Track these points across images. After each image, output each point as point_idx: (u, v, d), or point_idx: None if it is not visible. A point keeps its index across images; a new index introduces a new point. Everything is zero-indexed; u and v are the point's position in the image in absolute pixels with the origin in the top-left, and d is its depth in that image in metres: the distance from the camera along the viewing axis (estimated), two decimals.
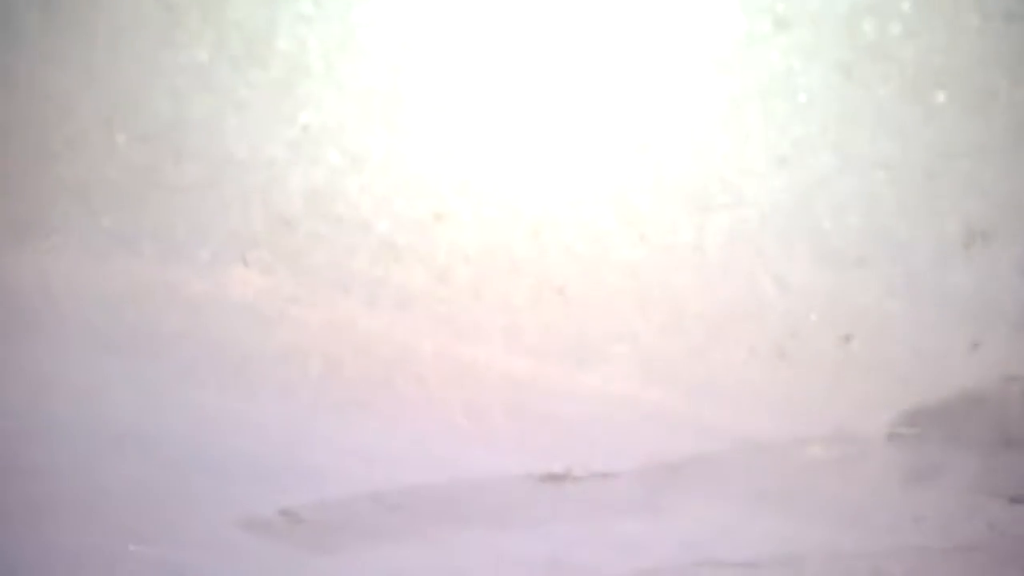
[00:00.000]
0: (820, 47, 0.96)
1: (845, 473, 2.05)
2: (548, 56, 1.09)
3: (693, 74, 1.04)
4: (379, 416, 1.91)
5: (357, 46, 1.02)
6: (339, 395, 1.81)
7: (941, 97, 1.00)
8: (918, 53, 0.95)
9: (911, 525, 2.21)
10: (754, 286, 1.50)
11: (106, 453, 2.20)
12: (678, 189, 1.28)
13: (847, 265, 1.44)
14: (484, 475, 2.10)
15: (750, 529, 2.28)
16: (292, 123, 1.14)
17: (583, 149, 1.24)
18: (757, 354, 1.68)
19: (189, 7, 0.97)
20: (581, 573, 2.51)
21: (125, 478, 2.30)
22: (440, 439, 1.99)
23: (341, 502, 2.24)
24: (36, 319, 1.68)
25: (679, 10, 0.98)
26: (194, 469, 2.22)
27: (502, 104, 1.16)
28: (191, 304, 1.61)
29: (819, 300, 1.52)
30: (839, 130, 1.09)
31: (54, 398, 1.97)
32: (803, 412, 1.82)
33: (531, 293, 1.55)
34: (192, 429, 2.01)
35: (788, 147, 1.13)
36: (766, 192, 1.25)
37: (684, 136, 1.15)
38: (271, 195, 1.28)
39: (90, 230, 1.42)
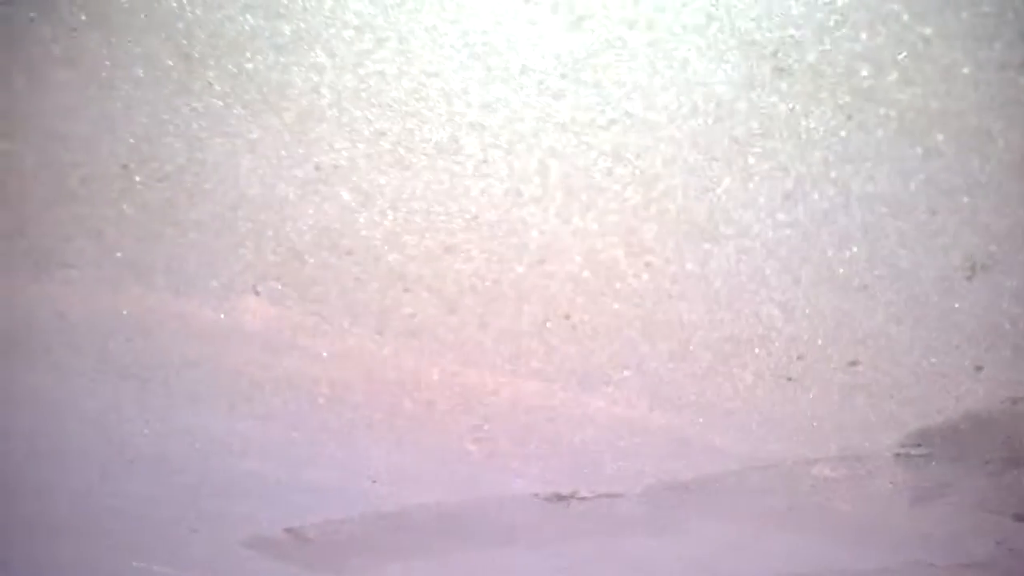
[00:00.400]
0: (820, 92, 0.98)
1: (853, 492, 2.07)
2: (555, 95, 1.12)
3: (695, 115, 1.06)
4: (387, 439, 1.93)
5: (368, 93, 1.05)
6: (347, 419, 1.84)
7: (939, 138, 1.02)
8: (915, 98, 0.97)
9: (919, 542, 2.22)
10: (760, 313, 1.52)
11: (116, 474, 2.23)
12: (683, 222, 1.30)
13: (851, 292, 1.46)
14: (490, 495, 2.12)
15: (757, 547, 2.29)
16: (304, 164, 1.16)
17: (589, 182, 1.26)
18: (764, 378, 1.70)
19: (206, 58, 1.00)
20: None
21: (134, 498, 2.33)
22: (447, 461, 2.01)
23: (347, 521, 2.26)
24: (52, 346, 1.70)
25: (681, 55, 1.00)
26: (202, 490, 2.24)
27: (508, 140, 1.19)
28: (202, 333, 1.64)
29: (825, 326, 1.54)
30: (841, 168, 1.11)
31: (67, 421, 2.00)
32: (811, 433, 1.84)
33: (537, 320, 1.57)
34: (200, 452, 2.04)
35: (791, 184, 1.15)
36: (770, 225, 1.27)
37: (688, 174, 1.17)
38: (283, 230, 1.31)
39: (105, 263, 1.45)
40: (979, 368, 1.62)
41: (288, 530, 2.32)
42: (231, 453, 2.05)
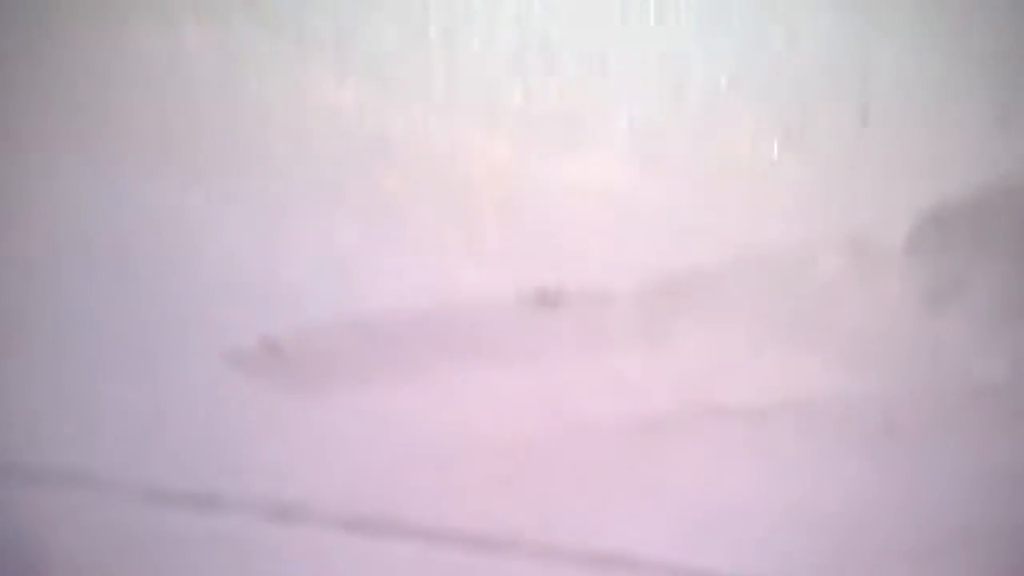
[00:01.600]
0: None
1: (859, 296, 1.93)
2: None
3: None
4: (357, 216, 1.78)
5: None
6: (311, 181, 1.69)
7: None
8: None
9: (927, 361, 2.08)
10: (765, 41, 1.36)
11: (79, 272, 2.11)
12: None
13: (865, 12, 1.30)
14: (472, 296, 1.98)
15: (754, 365, 2.16)
16: None
17: None
18: (765, 138, 1.55)
19: None
20: (578, 420, 2.40)
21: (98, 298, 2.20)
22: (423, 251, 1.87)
23: (321, 331, 2.13)
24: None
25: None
26: (172, 288, 2.10)
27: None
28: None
29: (833, 59, 1.38)
30: None
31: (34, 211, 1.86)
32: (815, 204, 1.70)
33: (513, 58, 1.41)
34: (166, 236, 1.90)
35: None
36: None
37: None
38: None
39: None
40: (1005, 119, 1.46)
41: (261, 337, 2.20)
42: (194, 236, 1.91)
